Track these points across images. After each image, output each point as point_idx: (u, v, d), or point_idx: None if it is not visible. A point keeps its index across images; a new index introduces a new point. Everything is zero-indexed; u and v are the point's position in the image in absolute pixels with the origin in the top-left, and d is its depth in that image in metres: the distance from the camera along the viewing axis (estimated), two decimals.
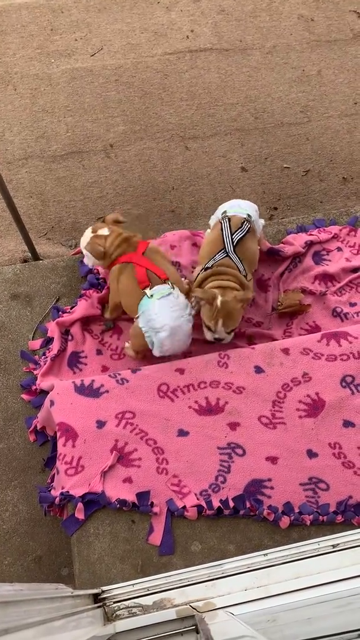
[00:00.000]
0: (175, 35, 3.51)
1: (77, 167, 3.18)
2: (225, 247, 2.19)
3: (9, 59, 3.42)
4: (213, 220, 2.38)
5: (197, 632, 1.54)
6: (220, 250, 2.20)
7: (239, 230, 2.21)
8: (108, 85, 3.36)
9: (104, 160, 3.20)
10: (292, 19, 3.59)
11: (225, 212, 2.27)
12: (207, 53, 3.47)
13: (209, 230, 2.42)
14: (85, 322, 2.47)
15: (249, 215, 2.26)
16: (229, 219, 2.23)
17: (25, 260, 2.91)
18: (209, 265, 2.20)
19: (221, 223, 2.24)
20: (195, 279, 2.25)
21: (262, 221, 2.39)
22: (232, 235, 2.20)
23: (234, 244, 2.19)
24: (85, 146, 3.22)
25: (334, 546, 1.69)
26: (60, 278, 2.59)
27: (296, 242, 2.62)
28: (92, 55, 3.45)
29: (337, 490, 1.96)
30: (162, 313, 2.06)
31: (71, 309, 2.49)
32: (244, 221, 2.23)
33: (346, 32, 3.55)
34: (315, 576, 1.60)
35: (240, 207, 2.29)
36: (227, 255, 2.18)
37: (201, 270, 2.23)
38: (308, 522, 1.90)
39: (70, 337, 2.43)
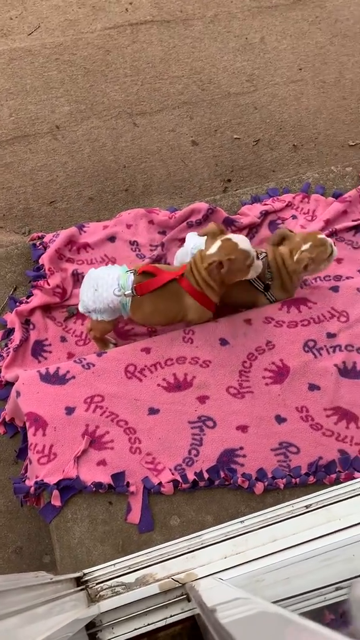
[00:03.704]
0: (114, 8, 3.42)
1: (24, 151, 3.09)
2: None
3: None
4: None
5: (189, 600, 1.57)
6: None
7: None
8: (49, 64, 3.26)
9: (52, 143, 3.12)
10: None
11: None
12: (147, 25, 3.39)
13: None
14: (47, 310, 2.43)
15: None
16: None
17: None
18: None
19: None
20: None
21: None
22: None
23: None
24: (30, 129, 3.13)
25: (307, 507, 1.73)
26: (16, 267, 2.53)
27: (251, 212, 2.62)
28: (30, 34, 3.33)
29: (308, 452, 2.00)
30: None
31: (27, 298, 2.44)
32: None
33: None
34: (291, 537, 1.64)
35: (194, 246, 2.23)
36: None
37: None
38: (282, 486, 1.95)
39: (31, 326, 2.39)
